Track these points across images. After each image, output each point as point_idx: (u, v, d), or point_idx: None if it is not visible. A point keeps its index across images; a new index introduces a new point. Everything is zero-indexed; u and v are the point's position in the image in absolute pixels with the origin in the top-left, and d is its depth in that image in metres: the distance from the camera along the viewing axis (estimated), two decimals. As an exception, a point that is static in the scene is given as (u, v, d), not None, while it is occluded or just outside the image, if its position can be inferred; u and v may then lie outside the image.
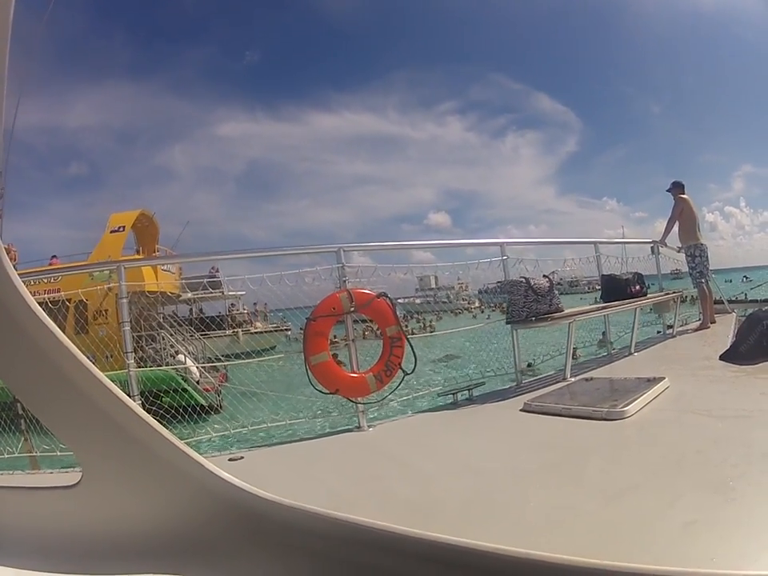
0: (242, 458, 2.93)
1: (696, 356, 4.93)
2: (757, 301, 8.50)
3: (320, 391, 3.54)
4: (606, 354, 5.59)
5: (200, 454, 1.23)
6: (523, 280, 4.21)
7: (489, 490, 2.17)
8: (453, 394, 3.99)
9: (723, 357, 4.39)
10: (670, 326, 6.46)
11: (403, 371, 3.70)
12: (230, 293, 16.06)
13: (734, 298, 8.91)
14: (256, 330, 16.83)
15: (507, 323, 4.37)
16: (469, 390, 4.05)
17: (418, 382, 4.95)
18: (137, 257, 17.02)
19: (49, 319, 1.00)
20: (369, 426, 3.55)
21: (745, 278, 39.07)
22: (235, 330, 17.21)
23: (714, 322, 6.64)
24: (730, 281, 38.83)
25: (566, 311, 4.39)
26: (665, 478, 2.11)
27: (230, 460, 2.86)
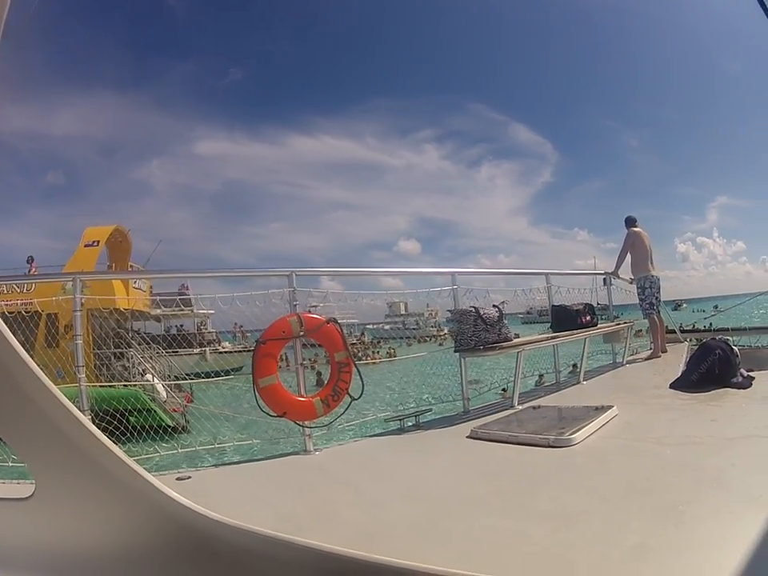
0: (190, 477, 2.90)
1: (646, 385, 4.99)
2: (711, 330, 8.57)
3: (267, 414, 3.53)
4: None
5: (149, 471, 1.24)
6: (473, 310, 4.24)
7: (436, 516, 2.16)
8: (400, 420, 3.99)
9: (674, 385, 4.45)
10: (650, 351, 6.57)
11: (350, 397, 3.70)
12: (200, 311, 16.06)
13: (686, 328, 9.04)
14: (224, 350, 16.71)
15: (456, 351, 4.41)
16: (416, 416, 4.04)
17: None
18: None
19: (6, 329, 1.01)
20: (315, 450, 3.54)
21: (715, 307, 39.56)
22: (203, 349, 17.05)
23: (666, 351, 6.76)
24: (703, 310, 39.32)
25: (514, 341, 4.43)
26: (614, 503, 2.13)
27: (177, 479, 2.83)
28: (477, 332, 4.16)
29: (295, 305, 3.80)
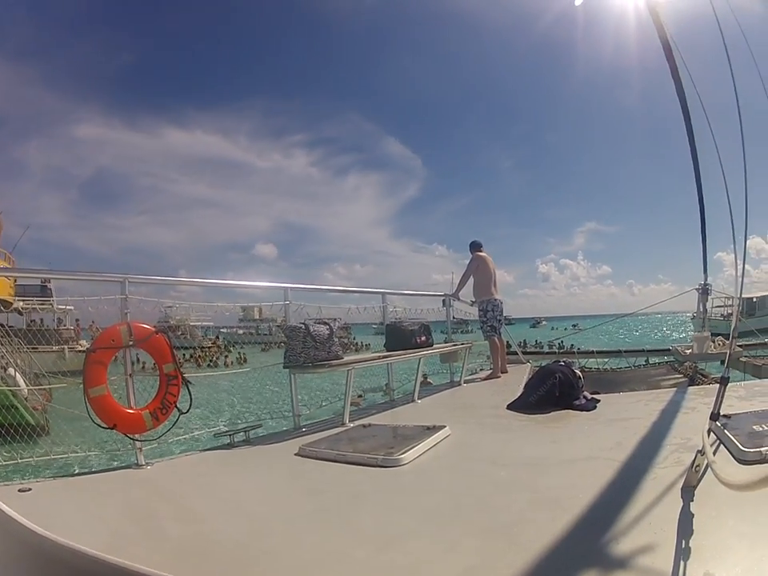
0: (30, 489, 2.82)
1: (483, 404, 5.04)
2: (555, 352, 8.95)
3: (98, 425, 3.46)
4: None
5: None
6: (302, 326, 4.29)
7: (260, 533, 2.14)
8: (229, 435, 4.01)
9: (511, 406, 4.48)
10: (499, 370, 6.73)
11: (179, 410, 3.71)
12: (60, 307, 15.56)
13: (528, 349, 9.53)
14: (81, 349, 16.06)
15: (285, 368, 4.42)
16: (245, 431, 4.09)
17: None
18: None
19: None
20: (147, 464, 3.52)
21: (574, 326, 40.38)
22: (62, 347, 16.32)
23: (506, 372, 6.97)
24: (565, 328, 41.03)
25: (343, 359, 4.49)
26: (442, 524, 2.10)
27: (19, 491, 2.76)
28: (306, 349, 4.22)
29: (126, 313, 3.75)
